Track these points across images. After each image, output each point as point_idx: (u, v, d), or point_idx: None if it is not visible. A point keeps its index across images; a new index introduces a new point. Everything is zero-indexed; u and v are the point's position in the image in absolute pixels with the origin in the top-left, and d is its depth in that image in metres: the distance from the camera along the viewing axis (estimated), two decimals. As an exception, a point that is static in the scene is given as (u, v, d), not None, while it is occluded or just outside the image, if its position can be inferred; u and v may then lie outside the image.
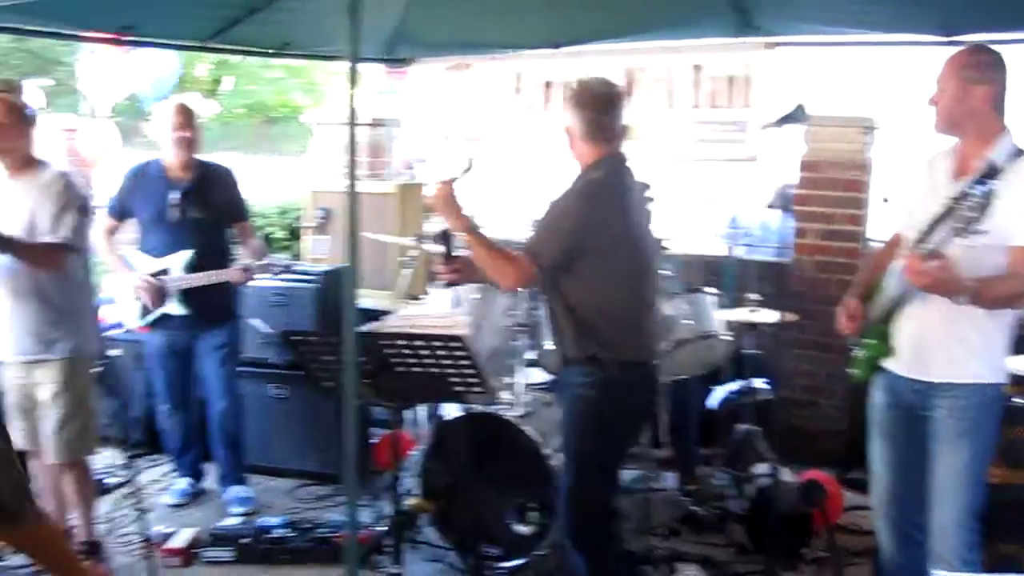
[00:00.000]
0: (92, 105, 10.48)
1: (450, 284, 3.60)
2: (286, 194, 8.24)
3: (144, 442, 5.53)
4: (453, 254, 3.43)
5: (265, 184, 9.34)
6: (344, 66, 2.63)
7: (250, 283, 4.87)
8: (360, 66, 2.64)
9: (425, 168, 7.19)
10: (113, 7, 4.77)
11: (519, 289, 4.12)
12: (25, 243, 3.81)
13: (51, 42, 18.64)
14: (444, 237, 3.43)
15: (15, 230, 3.82)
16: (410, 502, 4.11)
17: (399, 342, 3.21)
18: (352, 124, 2.70)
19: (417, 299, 5.10)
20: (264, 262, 4.84)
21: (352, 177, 2.67)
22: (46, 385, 4.00)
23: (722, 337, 4.59)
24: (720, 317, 4.63)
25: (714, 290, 4.71)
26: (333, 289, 5.27)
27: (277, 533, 4.46)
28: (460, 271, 3.46)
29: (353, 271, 2.80)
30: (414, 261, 5.01)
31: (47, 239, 3.85)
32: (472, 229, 3.33)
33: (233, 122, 18.47)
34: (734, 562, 4.38)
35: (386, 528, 4.08)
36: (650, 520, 4.41)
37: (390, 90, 9.09)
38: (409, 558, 4.16)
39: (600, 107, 3.37)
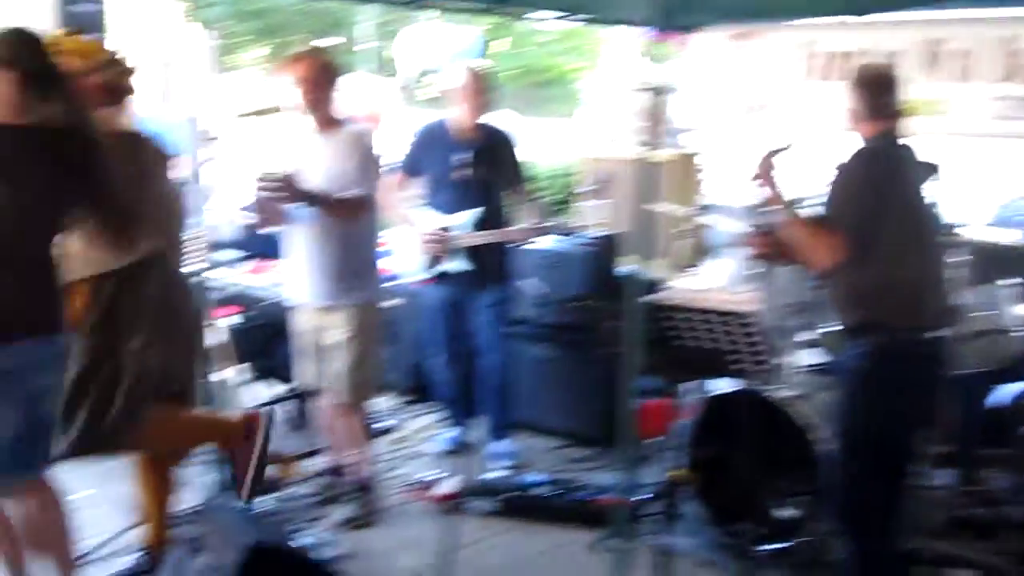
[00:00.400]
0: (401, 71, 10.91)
1: (761, 259, 3.61)
2: (558, 157, 8.32)
3: (414, 390, 5.80)
4: (766, 230, 3.44)
5: (537, 146, 9.48)
6: (618, 31, 2.61)
7: (526, 245, 4.97)
8: (639, 32, 2.61)
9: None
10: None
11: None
12: (327, 196, 4.05)
13: (337, 4, 19.66)
14: (756, 211, 3.43)
15: (320, 183, 4.07)
16: (673, 473, 4.09)
17: (681, 315, 3.18)
18: (642, 90, 2.69)
19: (689, 270, 5.05)
20: (543, 224, 4.92)
21: (644, 144, 2.65)
22: (338, 330, 4.25)
23: (1015, 332, 4.27)
24: (1017, 311, 4.31)
25: (1014, 280, 4.38)
26: (606, 255, 5.30)
27: (540, 490, 4.57)
28: (773, 246, 3.47)
29: (640, 241, 2.79)
30: (689, 232, 4.96)
31: (352, 193, 4.08)
32: (790, 206, 3.32)
33: (506, 84, 18.89)
34: (1012, 572, 4.10)
35: (648, 496, 4.09)
36: (923, 518, 4.19)
37: (668, 57, 9.00)
38: (667, 529, 4.15)
39: (877, 89, 3.45)
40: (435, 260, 4.90)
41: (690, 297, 3.75)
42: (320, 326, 4.29)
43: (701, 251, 5.24)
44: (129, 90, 3.57)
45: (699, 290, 4.29)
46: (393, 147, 5.17)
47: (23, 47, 3.05)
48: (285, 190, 3.97)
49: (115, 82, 3.47)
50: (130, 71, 3.59)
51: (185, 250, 3.87)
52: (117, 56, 3.57)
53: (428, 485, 4.66)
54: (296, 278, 4.31)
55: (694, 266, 4.97)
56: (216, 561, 3.53)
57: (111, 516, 4.14)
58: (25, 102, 3.01)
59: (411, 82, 11.69)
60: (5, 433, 3.08)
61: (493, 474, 4.86)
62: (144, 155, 3.56)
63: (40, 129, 3.02)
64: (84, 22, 4.80)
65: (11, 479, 3.19)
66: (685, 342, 3.24)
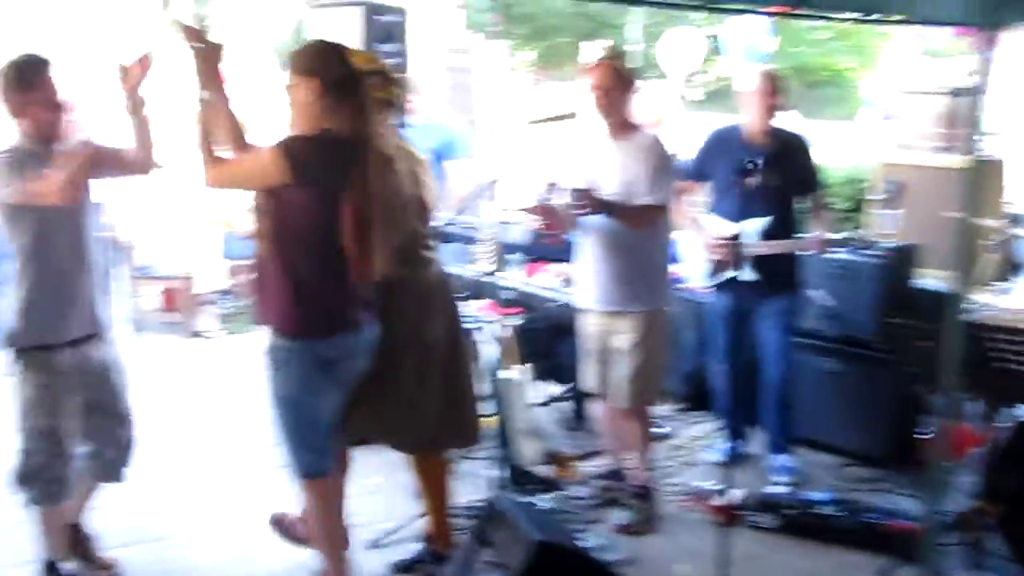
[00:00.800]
0: (667, 72, 10.89)
1: None
2: (844, 162, 7.98)
3: (691, 397, 5.73)
4: None
5: (821, 151, 9.14)
6: (899, 30, 2.44)
7: (816, 254, 4.80)
8: (937, 32, 2.43)
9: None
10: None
11: None
12: (623, 205, 4.07)
13: (606, 5, 19.78)
14: None
15: (613, 189, 4.10)
16: (977, 503, 3.84)
17: (1003, 336, 2.97)
18: (942, 92, 2.51)
19: (994, 286, 4.72)
20: (837, 235, 4.74)
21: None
22: (624, 335, 4.26)
23: None
24: None
25: None
26: (899, 266, 5.04)
27: (823, 509, 4.40)
28: None
29: (941, 253, 2.61)
30: (996, 245, 4.63)
31: (643, 200, 4.08)
32: None
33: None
34: None
35: (944, 525, 3.86)
36: None
37: (954, 55, 8.46)
38: (964, 562, 3.91)
39: None
40: (720, 267, 4.82)
41: (1013, 317, 3.48)
42: (607, 330, 4.32)
43: (1009, 266, 4.87)
44: (395, 102, 3.73)
45: (1018, 309, 3.98)
46: (676, 152, 5.14)
47: (324, 58, 3.28)
48: (583, 202, 4.02)
49: (385, 95, 3.62)
50: (398, 83, 3.76)
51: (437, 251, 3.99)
52: (385, 69, 3.74)
53: (706, 495, 4.59)
54: (585, 282, 4.36)
55: (1001, 281, 4.62)
56: (503, 557, 3.62)
57: (398, 504, 4.33)
58: (323, 110, 3.21)
59: (680, 84, 11.60)
60: (327, 416, 3.37)
61: (773, 489, 4.73)
62: (409, 164, 3.71)
63: (336, 137, 3.23)
64: (388, 32, 5.05)
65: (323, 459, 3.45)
66: (1009, 365, 3.01)
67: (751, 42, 9.58)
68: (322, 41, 3.43)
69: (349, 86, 3.24)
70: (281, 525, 4.07)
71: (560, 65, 26.29)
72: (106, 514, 4.07)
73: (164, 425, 5.40)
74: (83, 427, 3.63)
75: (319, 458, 3.42)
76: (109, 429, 3.70)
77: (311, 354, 3.29)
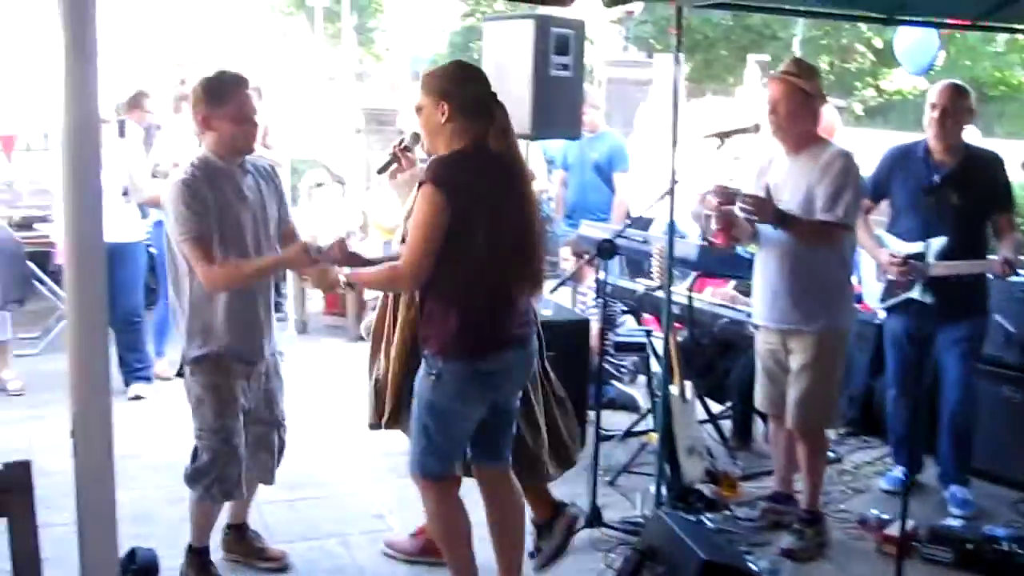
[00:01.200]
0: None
1: None
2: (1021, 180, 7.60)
3: (860, 421, 5.56)
4: None
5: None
6: None
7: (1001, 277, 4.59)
8: None
9: None
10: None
11: None
12: (802, 220, 3.98)
13: (769, 17, 19.48)
14: None
15: (793, 204, 4.02)
16: None
17: None
18: None
19: None
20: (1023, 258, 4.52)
21: None
22: (798, 354, 4.16)
23: None
24: None
25: None
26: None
27: (1002, 545, 4.19)
28: None
29: None
30: None
31: (823, 217, 3.98)
32: None
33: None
34: None
35: None
36: None
37: None
38: None
39: None
40: (896, 288, 4.66)
41: None
42: (781, 348, 4.23)
43: None
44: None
45: None
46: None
47: (460, 79, 3.33)
48: (758, 209, 3.95)
49: None
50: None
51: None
52: None
53: (878, 523, 4.44)
54: (759, 298, 4.28)
55: None
56: (668, 573, 3.57)
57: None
58: (460, 129, 3.26)
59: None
60: (470, 428, 3.43)
61: (948, 521, 4.54)
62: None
63: (479, 152, 3.25)
64: (562, 44, 5.09)
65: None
66: None
67: (919, 54, 9.21)
68: (455, 61, 3.50)
69: (482, 106, 3.28)
70: (395, 547, 4.16)
71: (718, 78, 26.01)
72: (274, 511, 4.21)
73: (326, 427, 5.57)
74: (244, 431, 3.76)
75: (447, 464, 3.43)
76: (265, 434, 3.83)
77: (472, 369, 3.31)
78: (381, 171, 4.07)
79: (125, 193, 5.84)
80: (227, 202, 3.54)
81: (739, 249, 5.01)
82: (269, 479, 3.92)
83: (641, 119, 10.76)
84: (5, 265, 6.08)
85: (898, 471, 5.01)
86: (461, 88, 3.28)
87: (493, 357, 3.32)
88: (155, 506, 4.39)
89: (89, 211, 2.03)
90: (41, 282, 6.95)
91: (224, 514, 3.93)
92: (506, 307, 3.35)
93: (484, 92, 3.32)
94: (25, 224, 6.62)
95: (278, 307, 8.04)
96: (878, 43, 24.70)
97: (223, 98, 3.54)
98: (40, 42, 9.00)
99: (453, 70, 3.41)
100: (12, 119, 8.24)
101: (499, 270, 3.26)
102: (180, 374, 3.83)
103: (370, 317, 7.57)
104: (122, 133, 6.04)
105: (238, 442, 3.66)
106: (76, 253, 2.05)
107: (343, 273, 3.47)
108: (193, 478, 3.67)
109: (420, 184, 3.22)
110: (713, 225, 4.23)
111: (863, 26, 18.39)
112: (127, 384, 6.10)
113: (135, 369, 6.14)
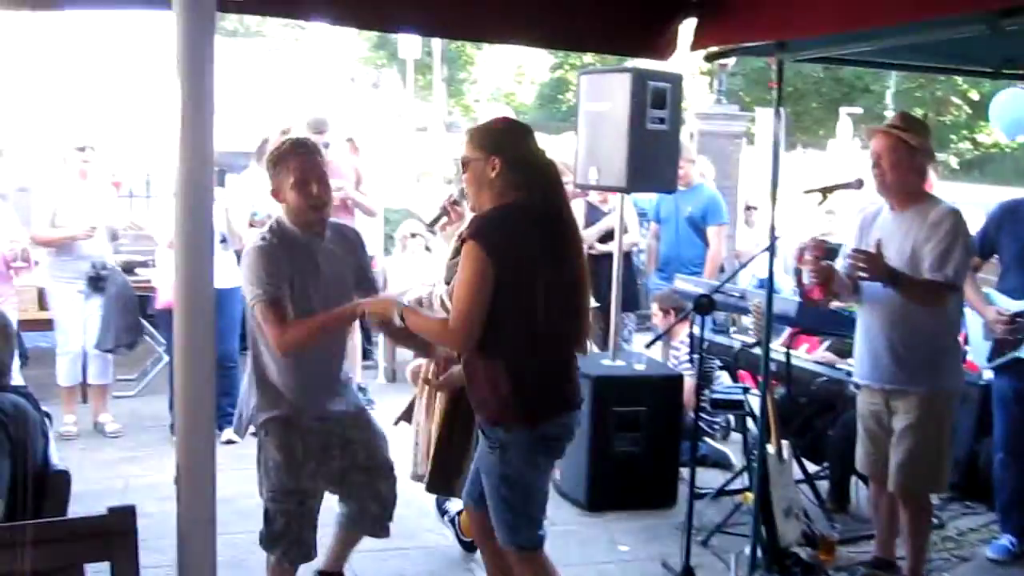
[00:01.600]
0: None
1: None
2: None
3: (963, 486, 5.35)
4: None
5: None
6: None
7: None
8: None
9: None
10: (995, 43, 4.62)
11: None
12: (910, 278, 3.86)
13: (861, 69, 19.24)
14: None
15: (898, 262, 3.90)
16: None
17: None
18: None
19: None
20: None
21: None
22: (901, 415, 4.02)
23: None
24: None
25: None
26: None
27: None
28: None
29: None
30: None
31: (930, 276, 3.86)
32: None
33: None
34: None
35: None
36: None
37: None
38: None
39: None
40: (1005, 348, 4.50)
41: None
42: (884, 409, 4.10)
43: None
44: None
45: None
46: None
47: (508, 135, 3.32)
48: (870, 264, 3.83)
49: None
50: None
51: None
52: None
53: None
54: (862, 357, 4.15)
55: None
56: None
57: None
58: (508, 185, 3.22)
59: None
60: (546, 489, 3.39)
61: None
62: None
63: (524, 207, 3.20)
64: (659, 98, 5.08)
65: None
66: None
67: (1015, 111, 8.96)
68: (504, 117, 3.53)
69: (533, 161, 3.26)
70: None
71: (809, 131, 25.78)
72: (362, 561, 4.20)
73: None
74: (342, 487, 3.75)
75: (537, 530, 3.35)
76: (367, 484, 3.76)
77: (536, 436, 3.23)
78: (431, 225, 4.07)
79: (223, 240, 5.95)
80: (299, 270, 3.50)
81: (835, 305, 4.88)
82: (380, 532, 3.85)
83: (734, 172, 10.68)
84: (121, 311, 6.19)
85: (1005, 539, 4.79)
86: (513, 143, 3.27)
87: (555, 421, 3.26)
88: (245, 554, 4.41)
89: (200, 258, 2.05)
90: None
91: (319, 559, 3.90)
92: (559, 367, 3.31)
93: (534, 148, 3.31)
94: (127, 269, 6.77)
95: (368, 355, 8.19)
96: (974, 95, 24.30)
97: (281, 167, 3.52)
98: (142, 90, 9.28)
99: (504, 125, 3.42)
100: (116, 165, 8.49)
101: (550, 328, 3.19)
102: (254, 433, 3.73)
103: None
104: (221, 182, 6.18)
105: (313, 504, 3.63)
106: (186, 300, 2.05)
107: (399, 309, 3.37)
108: (270, 542, 3.60)
109: (462, 240, 3.18)
110: (807, 279, 4.12)
111: (959, 78, 18.09)
112: (220, 428, 6.17)
113: (228, 414, 6.21)
